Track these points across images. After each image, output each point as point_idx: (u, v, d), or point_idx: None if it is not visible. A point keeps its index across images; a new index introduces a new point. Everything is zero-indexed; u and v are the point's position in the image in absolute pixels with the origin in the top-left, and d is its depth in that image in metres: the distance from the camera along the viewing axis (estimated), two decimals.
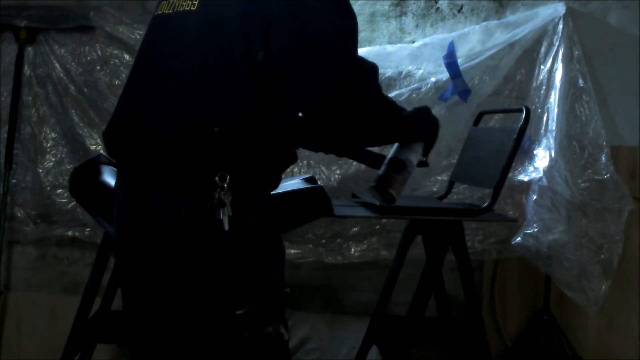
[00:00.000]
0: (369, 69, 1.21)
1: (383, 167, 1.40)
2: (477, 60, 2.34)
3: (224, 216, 1.10)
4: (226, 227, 1.10)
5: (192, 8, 1.20)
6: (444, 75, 2.36)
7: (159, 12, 1.29)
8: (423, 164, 1.53)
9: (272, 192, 1.28)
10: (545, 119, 2.27)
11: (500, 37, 2.37)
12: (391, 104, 1.29)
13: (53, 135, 2.54)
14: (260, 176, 1.20)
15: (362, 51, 2.44)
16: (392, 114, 1.28)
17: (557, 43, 2.31)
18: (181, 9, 1.22)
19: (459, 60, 2.32)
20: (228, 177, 1.11)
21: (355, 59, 1.18)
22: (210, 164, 1.12)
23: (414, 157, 1.39)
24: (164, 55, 1.22)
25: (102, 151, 2.35)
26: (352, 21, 1.18)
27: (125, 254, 1.30)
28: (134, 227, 1.24)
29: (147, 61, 1.27)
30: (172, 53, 1.20)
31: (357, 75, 1.17)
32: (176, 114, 1.15)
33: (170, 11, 1.24)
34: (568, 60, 2.29)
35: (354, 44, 1.19)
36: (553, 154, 2.16)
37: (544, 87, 2.32)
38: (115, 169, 1.74)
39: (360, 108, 1.18)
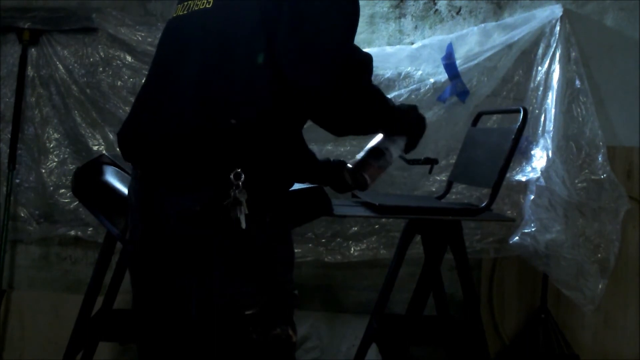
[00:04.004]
0: (364, 58, 1.22)
1: (362, 153, 1.41)
2: (475, 62, 2.36)
3: (241, 214, 1.10)
4: (243, 225, 1.10)
5: (207, 6, 1.21)
6: (443, 76, 2.37)
7: (175, 15, 1.30)
8: (432, 161, 1.57)
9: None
10: (542, 119, 2.28)
11: (498, 39, 2.38)
12: (381, 95, 1.30)
13: (56, 135, 2.55)
14: (274, 174, 1.20)
15: None
16: (381, 104, 1.29)
17: (555, 44, 2.32)
18: (196, 9, 1.23)
19: (458, 62, 2.34)
20: (243, 175, 1.12)
21: (350, 49, 1.20)
22: (223, 161, 1.13)
23: (395, 149, 1.41)
24: (179, 54, 1.22)
25: (104, 151, 2.36)
26: (354, 15, 1.19)
27: (137, 252, 1.30)
28: (146, 225, 1.25)
29: (162, 61, 1.28)
30: (186, 52, 1.20)
31: (352, 65, 1.18)
32: (188, 113, 1.15)
33: (185, 12, 1.26)
34: (565, 62, 2.31)
35: (352, 35, 1.20)
36: (550, 154, 2.17)
37: (541, 88, 2.34)
38: (117, 169, 1.76)
39: (353, 96, 1.18)
